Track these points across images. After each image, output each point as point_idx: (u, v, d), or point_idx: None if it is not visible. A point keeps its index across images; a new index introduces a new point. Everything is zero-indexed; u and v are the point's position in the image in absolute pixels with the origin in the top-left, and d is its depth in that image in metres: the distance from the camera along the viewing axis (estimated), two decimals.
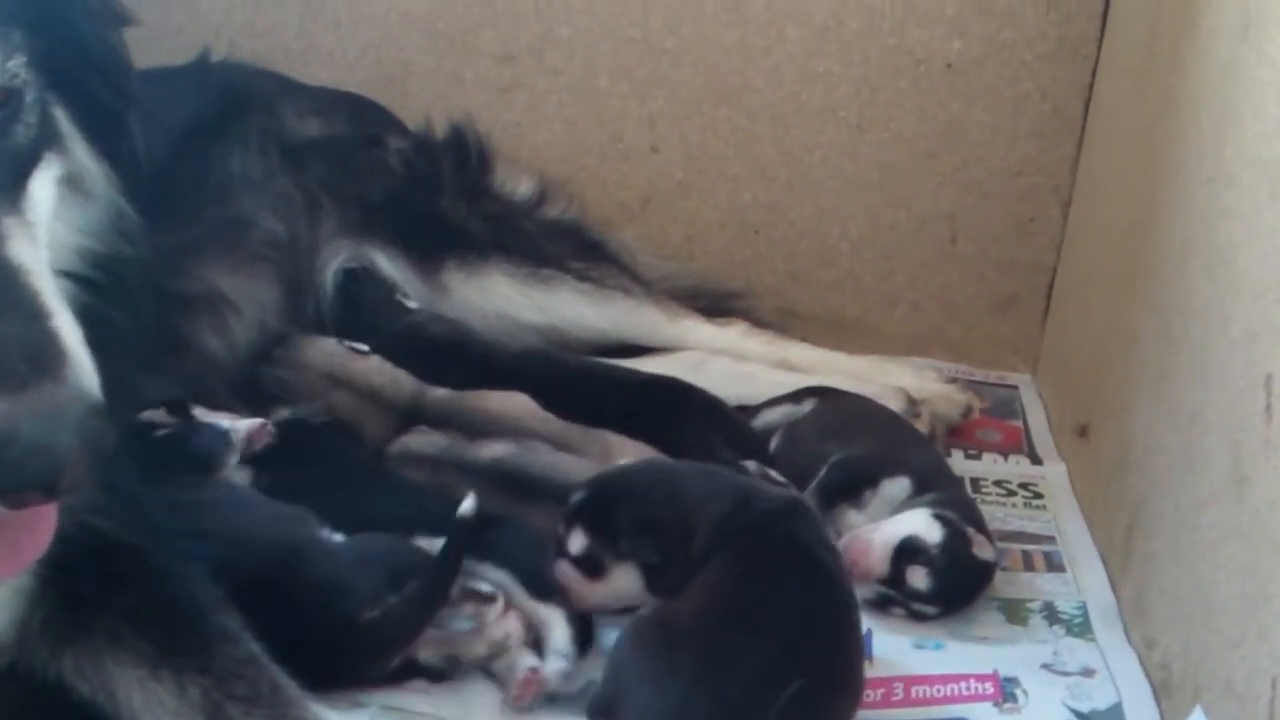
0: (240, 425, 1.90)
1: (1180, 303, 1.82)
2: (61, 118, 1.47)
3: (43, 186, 1.41)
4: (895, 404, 2.25)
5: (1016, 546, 2.05)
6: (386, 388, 2.08)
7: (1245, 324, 1.58)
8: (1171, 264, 1.87)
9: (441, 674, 1.67)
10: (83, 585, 1.48)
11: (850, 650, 1.62)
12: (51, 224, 1.44)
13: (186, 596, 1.52)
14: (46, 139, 1.43)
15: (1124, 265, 2.10)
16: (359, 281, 2.31)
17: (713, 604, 1.60)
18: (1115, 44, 2.41)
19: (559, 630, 1.67)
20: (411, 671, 1.65)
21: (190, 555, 1.57)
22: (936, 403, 2.35)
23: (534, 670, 1.63)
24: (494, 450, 1.93)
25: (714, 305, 2.55)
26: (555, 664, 1.64)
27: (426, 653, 1.65)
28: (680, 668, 1.51)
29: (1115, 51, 2.40)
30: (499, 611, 1.67)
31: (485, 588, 1.70)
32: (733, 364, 2.37)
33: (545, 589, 1.70)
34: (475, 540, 1.72)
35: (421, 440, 1.99)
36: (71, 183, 1.49)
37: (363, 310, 2.27)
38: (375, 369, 2.11)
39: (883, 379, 2.36)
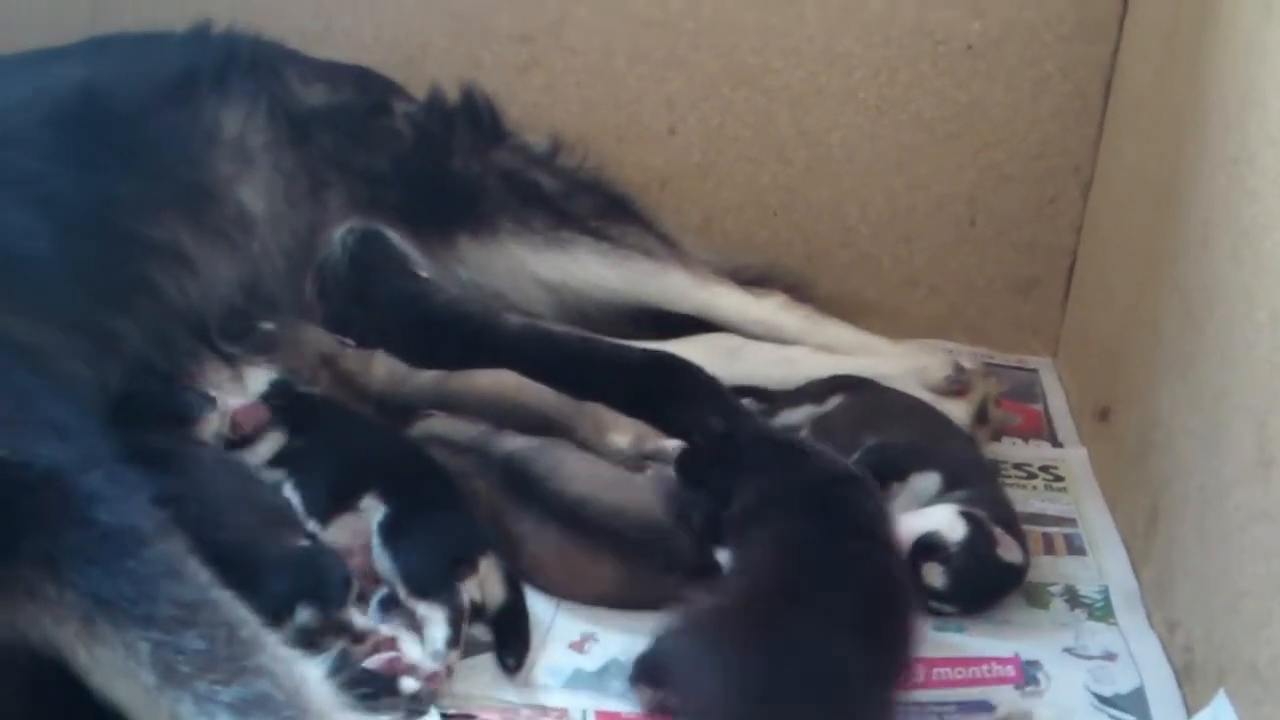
0: (231, 401, 1.86)
1: (1204, 285, 1.80)
2: None
3: None
4: (941, 374, 2.22)
5: (1037, 529, 2.04)
6: (358, 375, 2.07)
7: (1271, 306, 1.57)
8: (1195, 246, 1.86)
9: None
10: None
11: (900, 615, 1.62)
12: None
13: (120, 527, 1.32)
14: None
15: (1146, 247, 2.08)
16: (370, 246, 2.26)
17: (763, 577, 1.63)
18: (1137, 23, 2.38)
19: (437, 629, 1.63)
20: None
21: (126, 479, 1.38)
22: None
23: (395, 659, 1.58)
24: (516, 443, 1.91)
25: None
26: (429, 665, 1.60)
27: None
28: (733, 647, 1.52)
29: (1137, 31, 2.38)
30: (365, 651, 1.60)
31: (359, 621, 1.62)
32: (772, 349, 2.31)
33: (428, 587, 1.66)
34: (394, 525, 1.72)
35: (446, 425, 1.97)
36: None
37: (373, 275, 2.23)
38: (354, 355, 2.10)
39: (920, 359, 2.30)
